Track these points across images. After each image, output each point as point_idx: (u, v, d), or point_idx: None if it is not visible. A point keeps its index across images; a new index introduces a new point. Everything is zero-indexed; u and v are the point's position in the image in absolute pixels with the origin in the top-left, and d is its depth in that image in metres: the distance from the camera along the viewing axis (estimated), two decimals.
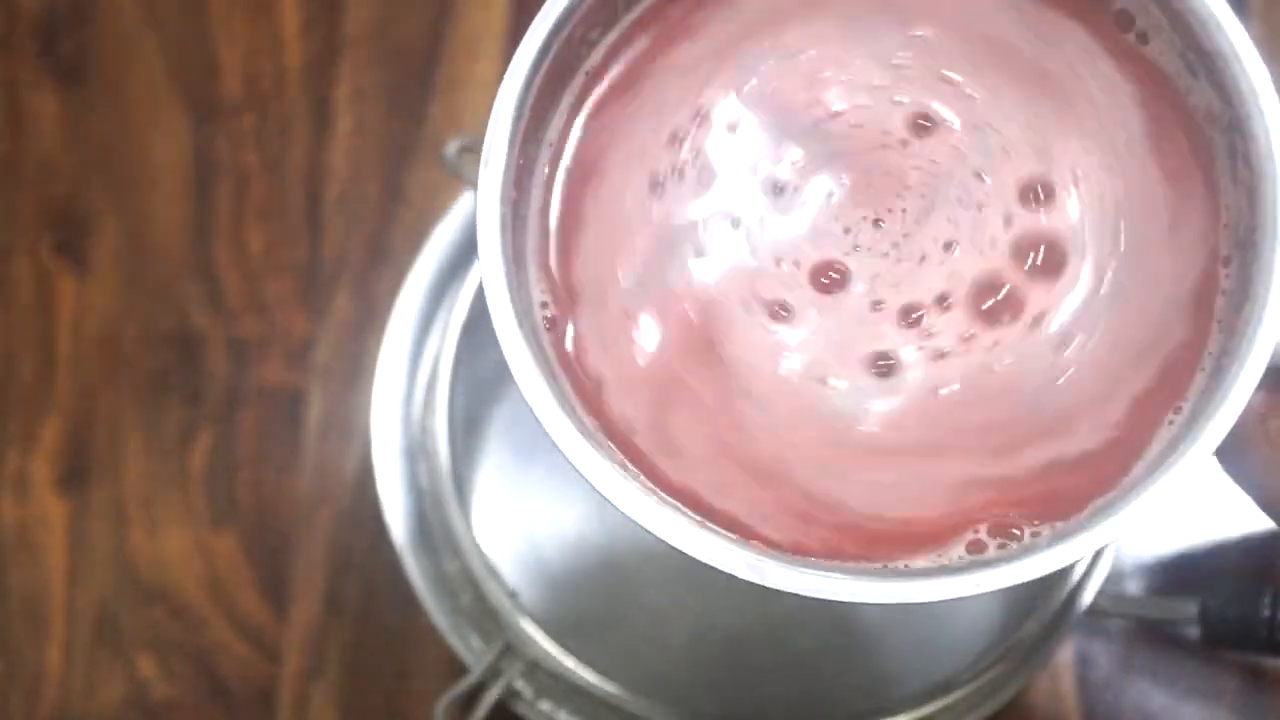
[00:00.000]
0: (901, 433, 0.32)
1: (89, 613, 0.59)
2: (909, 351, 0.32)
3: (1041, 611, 0.50)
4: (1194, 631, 0.53)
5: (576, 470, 0.30)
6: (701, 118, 0.33)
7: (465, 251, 0.54)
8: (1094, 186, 0.33)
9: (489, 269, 0.31)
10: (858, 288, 0.33)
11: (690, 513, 0.31)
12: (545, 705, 0.51)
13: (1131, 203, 0.33)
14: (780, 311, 0.33)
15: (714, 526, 0.31)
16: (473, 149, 0.54)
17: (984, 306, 0.33)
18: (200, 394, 0.60)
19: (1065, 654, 0.57)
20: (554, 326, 0.33)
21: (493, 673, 0.51)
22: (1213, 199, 0.32)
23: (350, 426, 0.60)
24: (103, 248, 0.61)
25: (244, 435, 0.60)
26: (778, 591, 0.30)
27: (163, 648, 0.58)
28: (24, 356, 0.61)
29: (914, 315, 0.33)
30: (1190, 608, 0.52)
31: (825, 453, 0.32)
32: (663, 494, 0.31)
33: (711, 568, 0.30)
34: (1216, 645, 0.53)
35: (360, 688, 0.58)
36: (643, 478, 0.32)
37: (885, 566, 0.31)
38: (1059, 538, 0.30)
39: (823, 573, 0.30)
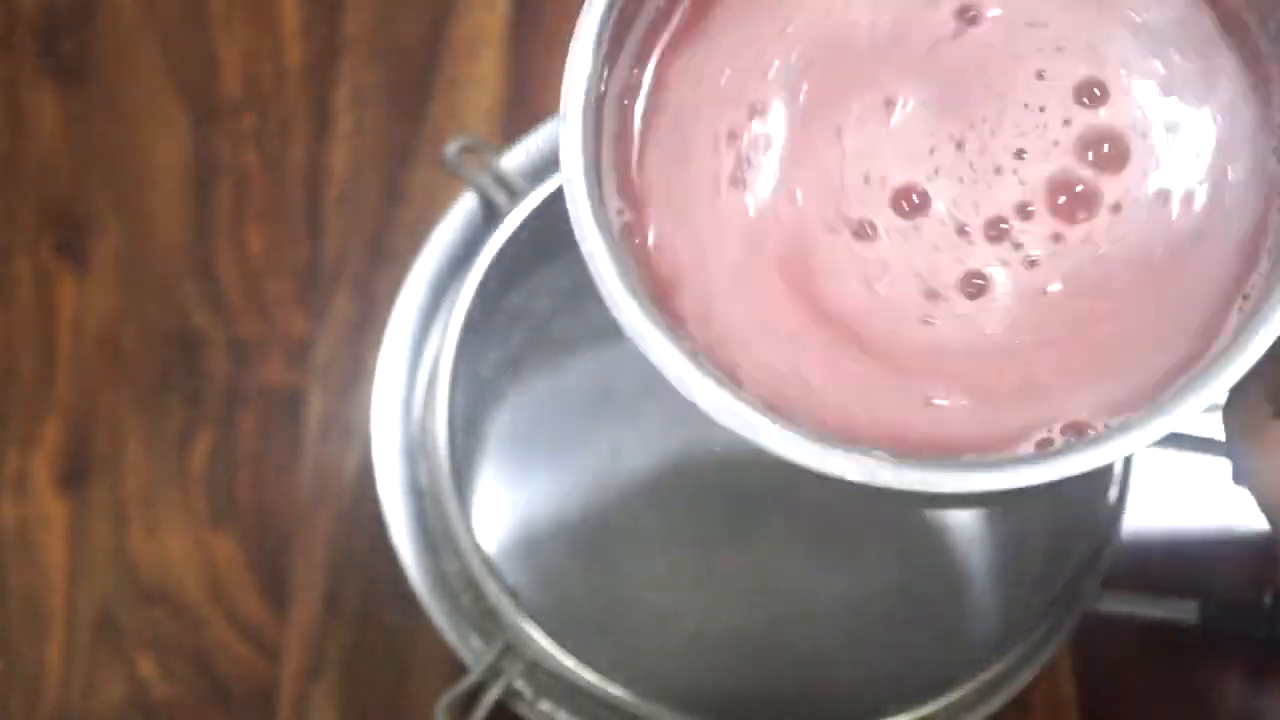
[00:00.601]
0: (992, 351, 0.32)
1: (89, 613, 0.59)
2: (997, 269, 0.33)
3: (1042, 611, 0.50)
4: (1194, 631, 0.53)
5: (663, 374, 0.30)
6: (786, 41, 0.34)
7: (465, 251, 0.54)
8: (1147, 82, 0.33)
9: (572, 175, 0.31)
10: (939, 209, 0.33)
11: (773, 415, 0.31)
12: (545, 705, 0.51)
13: (1185, 93, 0.33)
14: (866, 230, 0.33)
15: (797, 425, 0.31)
16: (473, 149, 0.54)
17: (1060, 201, 0.33)
18: (200, 394, 0.60)
19: (1065, 654, 0.57)
20: (631, 233, 0.33)
21: (493, 673, 0.51)
22: (1264, 81, 0.33)
23: (350, 426, 0.60)
24: (103, 248, 0.61)
25: (244, 435, 0.60)
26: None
27: (163, 648, 0.58)
28: (24, 356, 0.61)
29: (1000, 228, 0.33)
30: (1190, 608, 0.52)
31: (904, 368, 0.32)
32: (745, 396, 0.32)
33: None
34: (1217, 645, 0.53)
35: (360, 688, 0.58)
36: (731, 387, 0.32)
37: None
38: (1136, 424, 0.30)
39: (921, 469, 0.30)
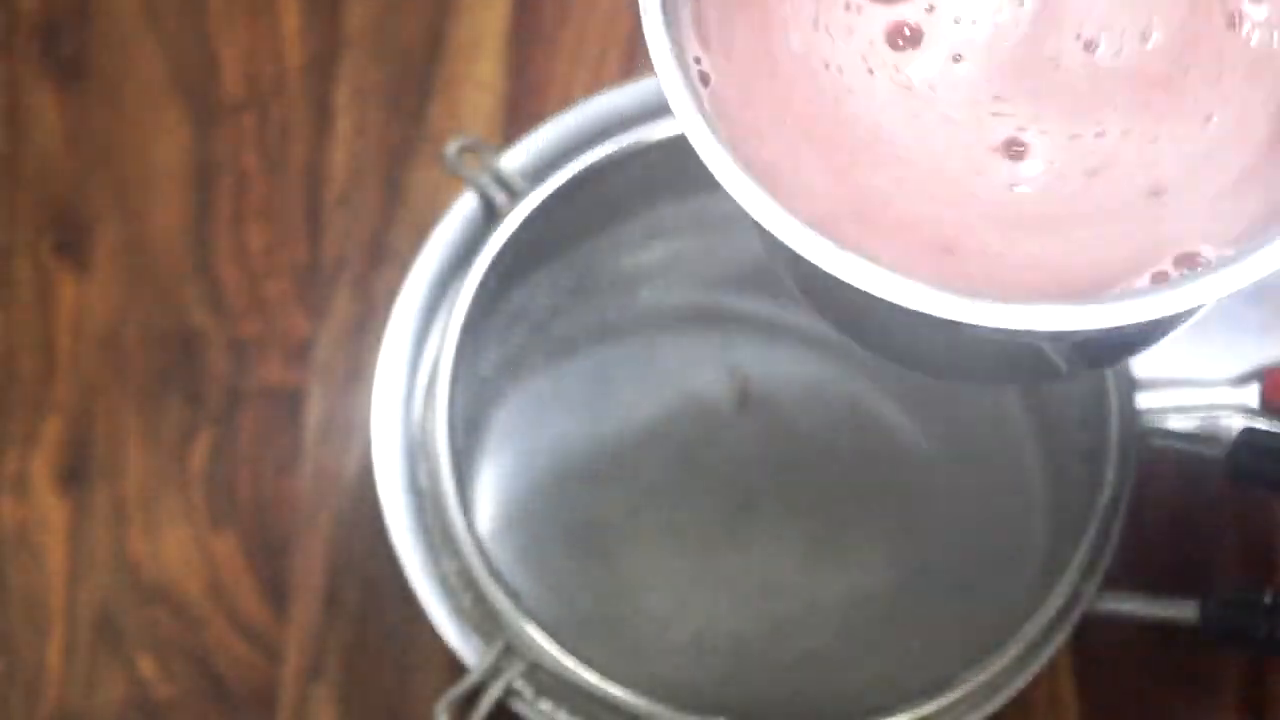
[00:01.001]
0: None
1: (89, 613, 0.59)
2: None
3: (1041, 612, 0.50)
4: (1194, 631, 0.53)
5: (732, 194, 0.30)
6: None
7: (465, 251, 0.54)
8: None
9: (650, 20, 0.31)
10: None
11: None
12: (545, 705, 0.51)
13: None
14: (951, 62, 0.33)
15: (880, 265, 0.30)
16: (473, 149, 0.54)
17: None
18: (200, 394, 0.60)
19: (1065, 654, 0.56)
20: (708, 81, 0.32)
21: (493, 673, 0.51)
22: None
23: (350, 426, 0.60)
24: (103, 248, 0.61)
25: (244, 435, 0.60)
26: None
27: (163, 648, 0.58)
28: (24, 356, 0.61)
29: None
30: (1190, 608, 0.52)
31: (996, 214, 0.32)
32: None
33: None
34: (1217, 644, 0.53)
35: (360, 688, 0.58)
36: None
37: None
38: (1249, 252, 0.29)
39: (1026, 305, 0.29)
